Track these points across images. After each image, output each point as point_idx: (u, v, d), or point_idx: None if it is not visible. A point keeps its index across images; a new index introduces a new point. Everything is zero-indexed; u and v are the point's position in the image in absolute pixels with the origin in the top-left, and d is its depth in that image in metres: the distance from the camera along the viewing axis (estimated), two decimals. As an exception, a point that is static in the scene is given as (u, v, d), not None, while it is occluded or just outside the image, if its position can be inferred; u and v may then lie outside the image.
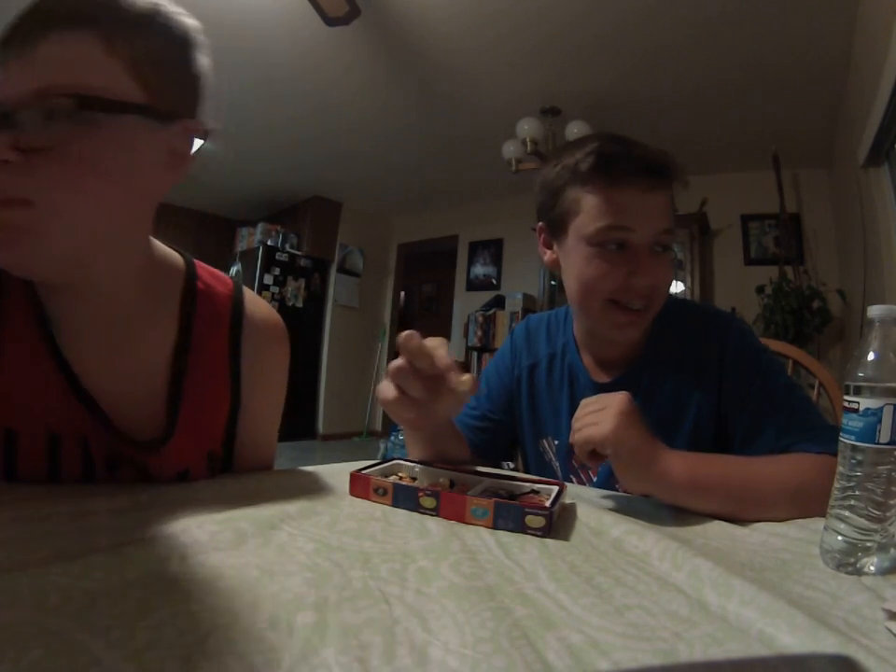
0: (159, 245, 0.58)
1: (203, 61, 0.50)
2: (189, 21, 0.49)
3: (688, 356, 0.72)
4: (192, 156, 0.50)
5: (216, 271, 0.62)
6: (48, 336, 0.50)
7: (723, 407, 0.70)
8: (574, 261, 0.70)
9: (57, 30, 0.40)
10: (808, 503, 0.53)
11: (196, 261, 0.61)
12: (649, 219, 0.65)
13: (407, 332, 0.50)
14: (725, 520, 0.54)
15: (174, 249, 0.60)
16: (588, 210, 0.66)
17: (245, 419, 0.61)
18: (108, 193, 0.44)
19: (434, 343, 0.52)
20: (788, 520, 0.54)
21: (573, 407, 0.70)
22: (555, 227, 0.72)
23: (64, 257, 0.44)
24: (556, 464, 0.82)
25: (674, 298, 0.78)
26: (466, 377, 0.52)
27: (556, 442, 0.81)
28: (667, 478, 0.54)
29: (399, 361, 0.51)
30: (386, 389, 0.53)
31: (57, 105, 0.39)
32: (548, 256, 0.77)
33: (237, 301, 0.60)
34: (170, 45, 0.47)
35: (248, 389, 0.61)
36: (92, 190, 0.42)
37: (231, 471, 0.63)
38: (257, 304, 0.63)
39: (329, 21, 2.19)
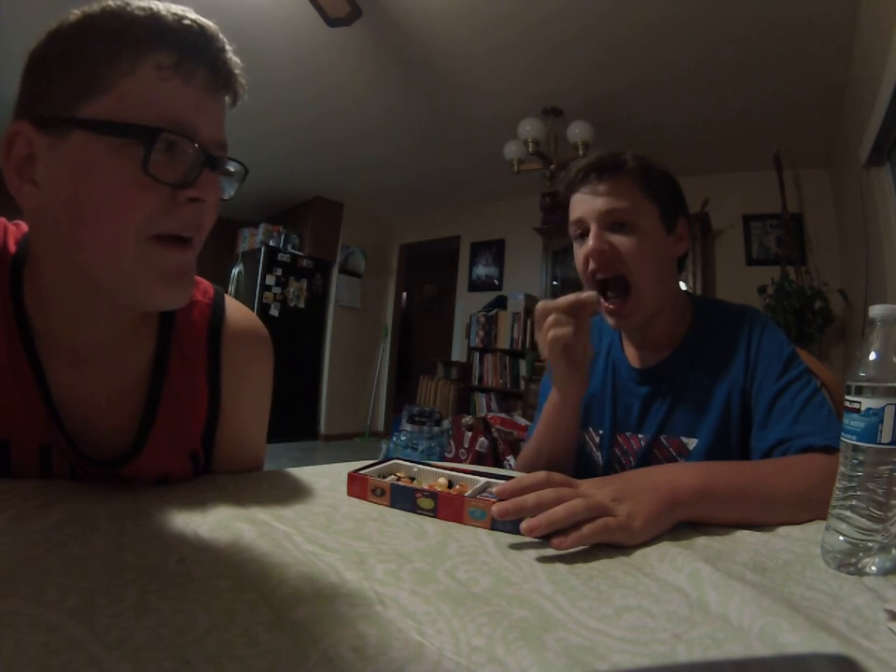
0: None
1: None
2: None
3: (720, 347, 0.80)
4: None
5: (197, 278, 0.62)
6: (31, 353, 0.49)
7: (748, 393, 0.77)
8: None
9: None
10: (821, 507, 0.52)
11: None
12: (594, 208, 0.77)
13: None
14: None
15: None
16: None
17: (227, 425, 0.61)
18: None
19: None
20: (804, 523, 0.53)
21: (615, 398, 0.85)
22: None
23: None
24: (598, 454, 0.86)
25: (708, 297, 0.92)
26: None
27: (601, 432, 0.86)
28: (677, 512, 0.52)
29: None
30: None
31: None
32: None
33: (217, 309, 0.60)
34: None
35: (229, 396, 0.60)
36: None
37: (214, 473, 0.62)
38: (237, 312, 0.63)
39: (331, 21, 2.19)
